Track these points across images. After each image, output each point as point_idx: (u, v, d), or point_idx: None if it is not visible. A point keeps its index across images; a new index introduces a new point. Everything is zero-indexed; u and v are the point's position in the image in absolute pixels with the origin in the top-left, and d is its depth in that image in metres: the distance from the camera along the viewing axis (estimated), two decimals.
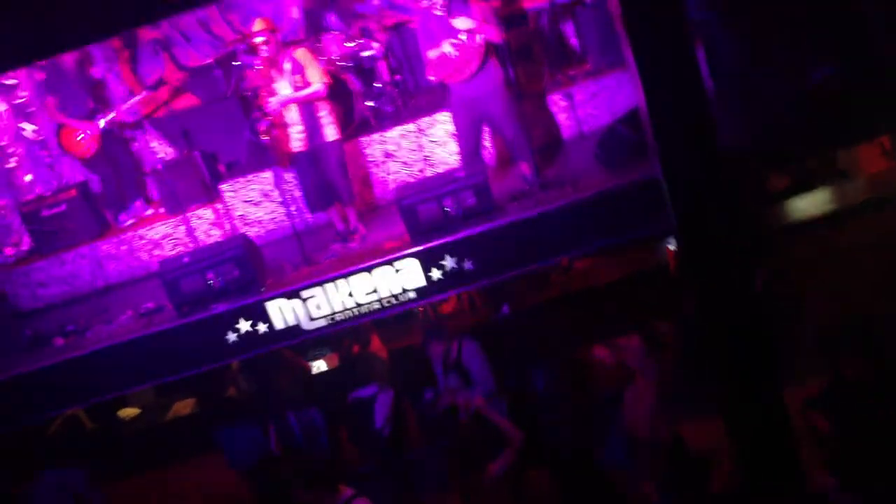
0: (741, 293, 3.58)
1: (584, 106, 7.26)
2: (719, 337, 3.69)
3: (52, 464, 6.49)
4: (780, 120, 5.51)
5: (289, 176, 6.81)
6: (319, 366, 7.40)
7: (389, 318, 6.48)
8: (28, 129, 8.57)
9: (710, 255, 3.54)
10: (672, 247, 6.53)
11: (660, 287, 6.49)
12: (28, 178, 8.67)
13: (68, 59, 7.61)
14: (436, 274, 5.91)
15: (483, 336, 6.38)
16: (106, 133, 7.72)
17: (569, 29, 8.03)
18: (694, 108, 3.40)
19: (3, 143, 8.55)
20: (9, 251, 8.49)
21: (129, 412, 7.65)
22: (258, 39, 6.29)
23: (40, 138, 8.58)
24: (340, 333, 6.72)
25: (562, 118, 7.31)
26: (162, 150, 8.21)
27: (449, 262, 5.88)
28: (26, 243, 8.41)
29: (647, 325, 5.32)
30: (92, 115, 7.66)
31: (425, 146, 7.28)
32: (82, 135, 7.61)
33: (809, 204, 6.89)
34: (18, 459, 6.66)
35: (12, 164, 8.61)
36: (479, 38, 6.02)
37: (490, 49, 6.12)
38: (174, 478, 7.40)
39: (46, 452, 6.99)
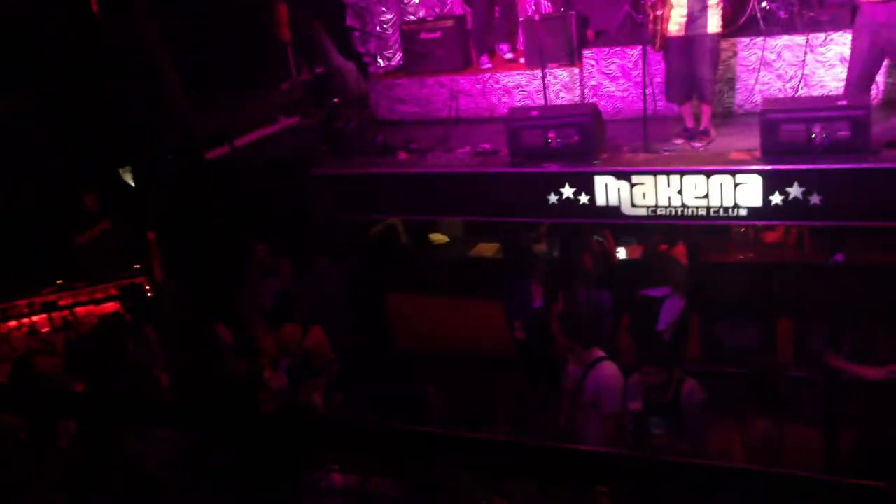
0: None
1: None
2: None
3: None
4: None
5: (655, 59, 6.61)
6: (620, 253, 7.38)
7: (707, 227, 6.26)
8: None
9: None
10: None
11: None
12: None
13: None
14: (776, 198, 5.55)
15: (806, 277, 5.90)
16: None
17: None
18: None
19: None
20: (382, 63, 9.24)
21: (438, 238, 8.19)
22: None
23: None
24: (654, 228, 6.61)
25: None
26: (540, 2, 8.31)
27: (795, 191, 5.48)
28: (397, 59, 9.11)
29: None
30: None
31: (809, 64, 6.68)
32: None
33: None
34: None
35: None
36: None
37: None
38: (454, 306, 7.85)
39: (367, 251, 7.73)
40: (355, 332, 7.13)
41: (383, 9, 9.18)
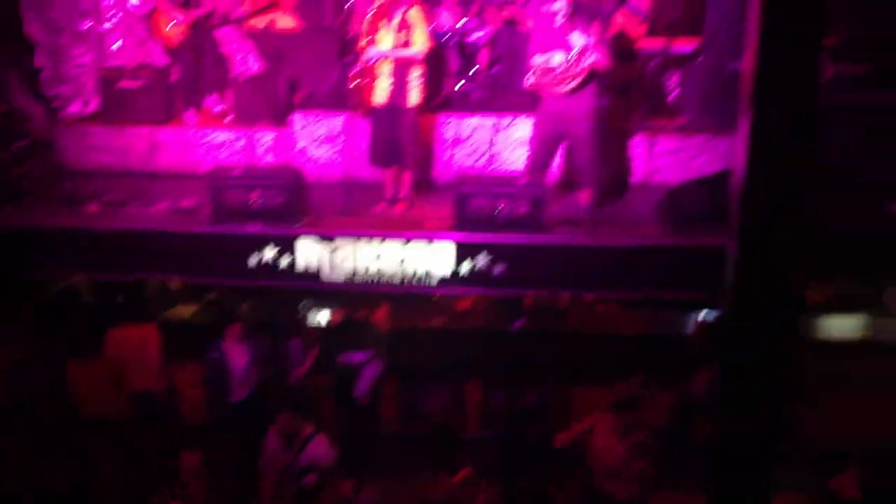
0: (768, 388, 3.50)
1: (662, 158, 7.23)
2: (729, 425, 3.62)
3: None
4: (845, 237, 5.48)
5: (361, 125, 6.83)
6: (322, 318, 7.42)
7: (404, 293, 6.48)
8: (134, 0, 8.65)
9: (754, 342, 3.46)
10: (703, 318, 6.49)
11: (674, 356, 6.43)
12: (117, 45, 8.75)
13: None
14: (465, 267, 5.90)
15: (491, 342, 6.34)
16: (197, 26, 7.78)
17: (673, 80, 8.01)
18: (795, 191, 3.35)
19: (107, 5, 8.62)
20: (75, 108, 8.62)
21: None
22: None
23: (142, 13, 8.63)
24: (353, 293, 6.72)
25: (636, 162, 7.27)
26: (249, 61, 8.24)
27: (482, 261, 5.87)
28: (93, 105, 8.55)
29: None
30: (187, 4, 7.72)
31: (498, 143, 7.27)
32: (173, 22, 7.70)
33: (844, 326, 6.78)
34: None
35: (108, 26, 8.69)
36: (587, 58, 5.99)
37: (593, 73, 6.08)
38: None
39: (42, 309, 7.06)
40: (32, 400, 6.45)
41: (80, 51, 8.62)
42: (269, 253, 6.15)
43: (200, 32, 7.91)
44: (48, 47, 8.55)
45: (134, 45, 8.77)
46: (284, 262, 6.16)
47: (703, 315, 6.60)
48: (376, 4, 6.38)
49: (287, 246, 6.14)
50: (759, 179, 3.21)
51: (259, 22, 8.58)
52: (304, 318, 6.93)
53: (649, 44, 7.80)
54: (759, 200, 3.22)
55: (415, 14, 6.43)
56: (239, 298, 7.55)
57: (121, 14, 8.69)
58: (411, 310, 7.26)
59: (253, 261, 6.17)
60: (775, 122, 3.22)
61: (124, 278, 7.00)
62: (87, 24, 8.63)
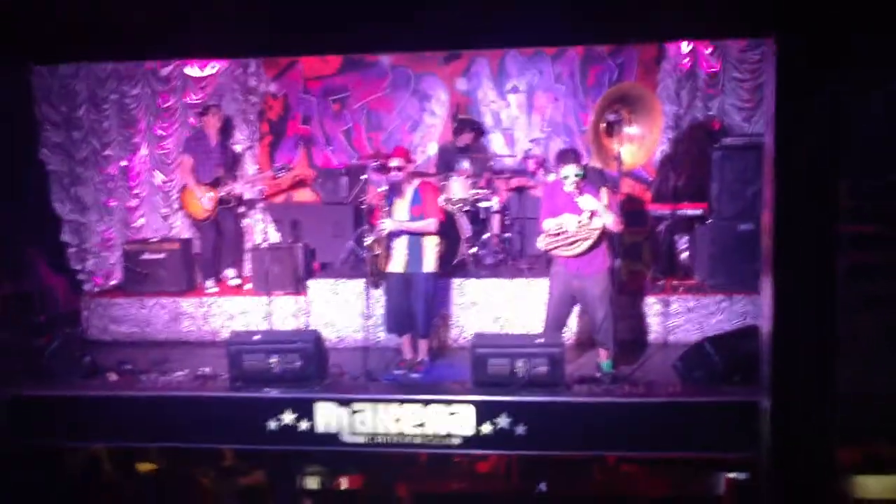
0: None
1: (677, 317, 7.31)
2: None
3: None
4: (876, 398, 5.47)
5: (376, 292, 6.97)
6: (342, 482, 7.28)
7: (424, 456, 6.40)
8: (158, 178, 9.07)
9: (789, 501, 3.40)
10: (733, 476, 6.34)
11: None
12: (141, 221, 9.08)
13: (213, 127, 8.19)
14: (486, 428, 5.85)
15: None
16: (222, 202, 8.14)
17: (682, 242, 8.22)
18: (824, 347, 3.40)
19: (132, 184, 9.03)
20: (98, 281, 8.86)
21: (147, 466, 7.57)
22: (393, 163, 6.62)
23: (165, 189, 9.04)
24: (373, 456, 6.62)
25: (651, 321, 7.35)
26: (269, 232, 8.54)
27: (503, 421, 5.83)
28: (115, 278, 8.79)
29: None
30: (216, 184, 8.10)
31: (514, 306, 7.38)
32: (202, 198, 8.04)
33: (880, 486, 6.58)
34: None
35: (133, 203, 9.06)
36: (598, 221, 6.16)
37: (605, 235, 6.25)
38: None
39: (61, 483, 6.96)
40: None
41: (104, 227, 8.96)
42: (289, 417, 6.13)
43: (226, 208, 8.24)
44: (74, 224, 8.90)
45: (156, 219, 9.13)
46: (303, 425, 6.12)
47: (732, 475, 6.46)
48: (387, 180, 6.67)
49: (306, 409, 6.13)
50: (789, 337, 3.26)
51: (279, 196, 9.04)
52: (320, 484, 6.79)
53: (657, 207, 8.09)
54: (791, 358, 3.25)
55: (427, 188, 6.72)
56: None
57: (146, 190, 9.11)
58: (431, 473, 7.12)
59: (272, 425, 6.14)
60: (798, 281, 3.31)
61: (145, 446, 6.94)
62: (114, 202, 9.02)
